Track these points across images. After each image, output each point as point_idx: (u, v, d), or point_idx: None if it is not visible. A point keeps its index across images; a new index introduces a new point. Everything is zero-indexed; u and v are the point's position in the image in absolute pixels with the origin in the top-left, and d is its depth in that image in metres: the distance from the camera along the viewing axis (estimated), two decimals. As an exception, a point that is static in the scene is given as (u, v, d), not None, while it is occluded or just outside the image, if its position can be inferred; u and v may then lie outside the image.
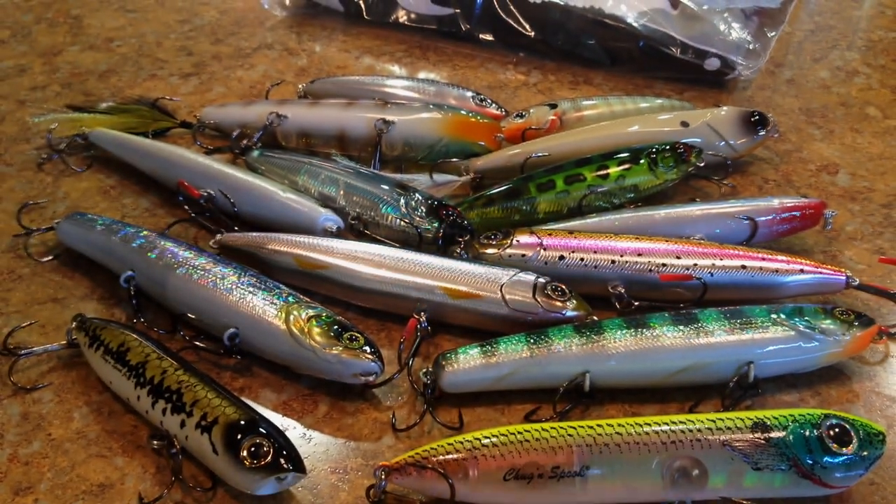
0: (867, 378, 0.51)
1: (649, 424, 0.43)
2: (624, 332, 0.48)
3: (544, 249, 0.54)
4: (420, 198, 0.59)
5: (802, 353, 0.48)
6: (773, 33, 0.80)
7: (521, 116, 0.70)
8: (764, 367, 0.48)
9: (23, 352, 0.52)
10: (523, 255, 0.55)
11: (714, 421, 0.43)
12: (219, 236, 0.59)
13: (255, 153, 0.67)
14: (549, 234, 0.55)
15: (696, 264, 0.53)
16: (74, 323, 0.51)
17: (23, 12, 0.93)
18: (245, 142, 0.69)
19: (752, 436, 0.42)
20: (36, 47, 0.86)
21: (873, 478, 0.45)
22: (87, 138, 0.70)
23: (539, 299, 0.51)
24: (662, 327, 0.48)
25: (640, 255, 0.53)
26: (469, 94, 0.73)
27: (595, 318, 0.51)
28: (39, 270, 0.59)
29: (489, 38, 0.84)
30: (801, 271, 0.53)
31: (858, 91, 0.78)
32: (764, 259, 0.53)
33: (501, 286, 0.51)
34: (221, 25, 0.90)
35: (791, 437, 0.42)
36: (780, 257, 0.54)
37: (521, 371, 0.48)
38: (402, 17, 0.86)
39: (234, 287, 0.51)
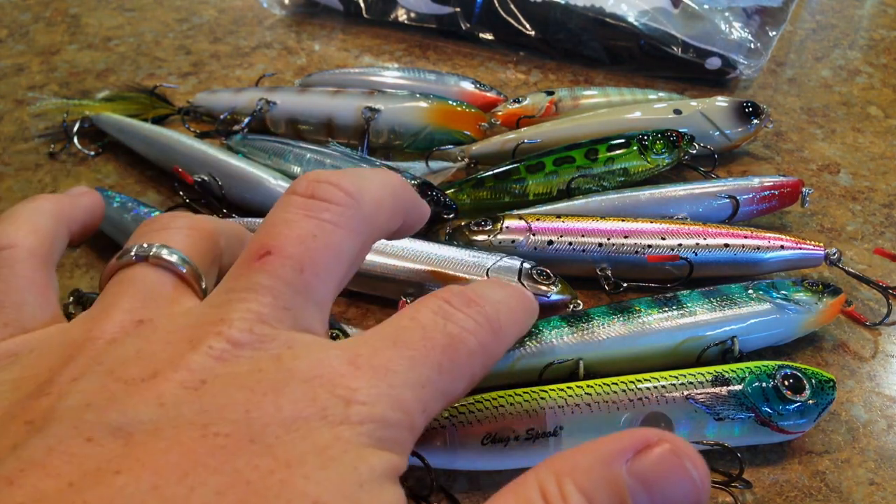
0: (867, 378, 0.52)
1: (616, 384, 0.45)
2: (611, 318, 0.51)
3: (533, 234, 0.57)
4: (406, 177, 0.61)
5: (780, 324, 0.51)
6: (774, 32, 0.82)
7: (518, 102, 0.72)
8: (747, 342, 0.50)
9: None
10: (513, 241, 0.57)
11: (677, 377, 0.46)
12: None
13: (237, 137, 0.70)
14: (538, 219, 0.58)
15: (680, 244, 0.55)
16: (71, 297, 0.54)
17: (21, 11, 0.96)
18: (235, 127, 0.72)
19: (712, 389, 0.45)
20: (34, 46, 0.89)
21: (873, 477, 0.46)
22: (93, 123, 0.73)
23: (524, 282, 0.53)
24: (648, 311, 0.51)
25: (626, 236, 0.56)
26: (468, 82, 0.76)
27: (580, 302, 0.54)
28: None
29: (489, 37, 0.86)
30: (782, 247, 0.55)
31: (860, 90, 0.80)
32: (746, 237, 0.56)
33: (487, 270, 0.54)
34: (220, 24, 0.92)
35: (749, 387, 0.45)
36: (761, 234, 0.56)
37: (516, 364, 0.50)
38: (401, 16, 0.89)
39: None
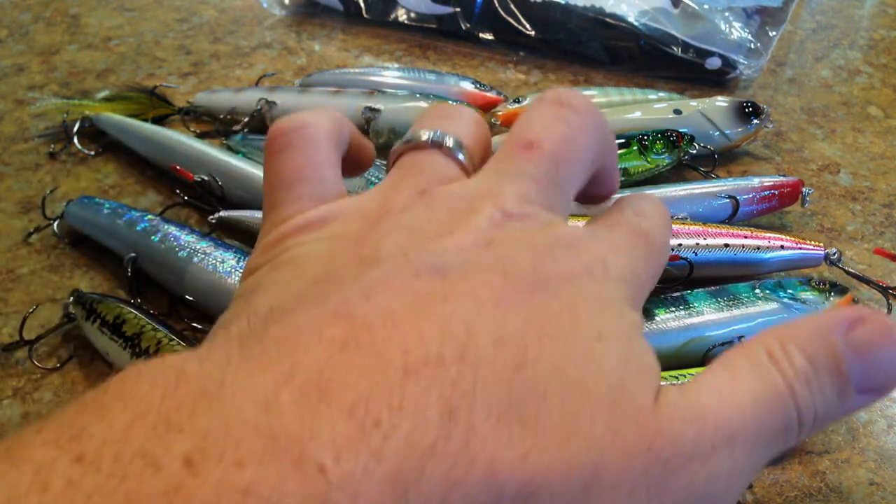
0: (868, 377, 0.52)
1: None
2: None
3: (535, 234, 0.56)
4: None
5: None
6: (774, 32, 0.82)
7: (518, 102, 0.72)
8: (751, 345, 0.50)
9: (30, 338, 0.54)
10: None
11: (677, 377, 0.46)
12: (218, 214, 0.61)
13: (237, 137, 0.70)
14: (540, 219, 0.57)
15: (680, 244, 0.55)
16: (72, 297, 0.54)
17: (21, 11, 0.96)
18: (235, 127, 0.72)
19: None
20: (34, 46, 0.89)
21: (873, 478, 0.46)
22: (93, 123, 0.74)
23: None
24: (655, 311, 0.51)
25: (626, 236, 0.55)
26: (468, 82, 0.76)
27: None
28: (38, 270, 0.61)
29: (489, 37, 0.86)
30: (782, 247, 0.55)
31: (860, 90, 0.80)
32: (746, 237, 0.56)
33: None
34: (220, 24, 0.92)
35: None
36: (761, 234, 0.56)
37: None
38: (401, 16, 0.89)
39: (232, 271, 0.54)
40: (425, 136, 0.33)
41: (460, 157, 0.33)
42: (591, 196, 0.37)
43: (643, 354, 0.26)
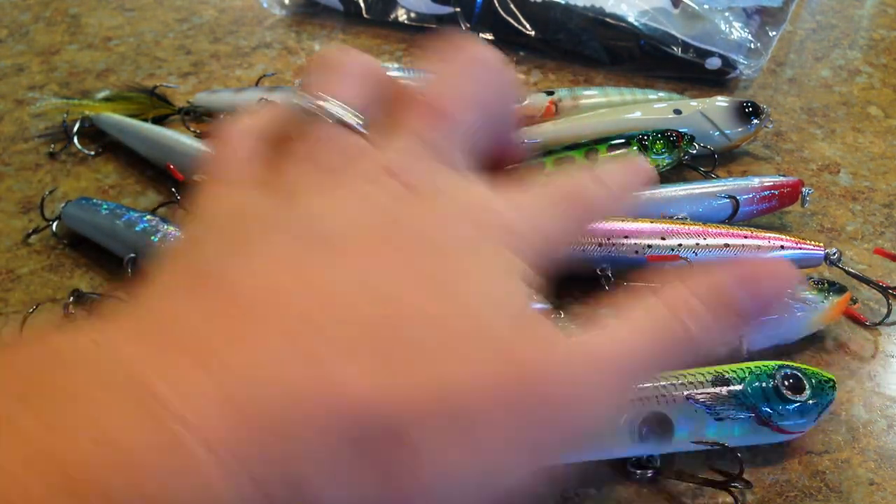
0: (867, 378, 0.52)
1: None
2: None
3: (535, 234, 0.56)
4: None
5: (787, 322, 0.51)
6: (774, 32, 0.82)
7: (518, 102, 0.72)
8: (754, 341, 0.50)
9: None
10: (514, 241, 0.56)
11: (677, 377, 0.46)
12: None
13: None
14: (539, 219, 0.57)
15: (680, 244, 0.55)
16: (72, 297, 0.54)
17: (20, 11, 0.96)
18: None
19: (712, 388, 0.45)
20: (34, 46, 0.89)
21: (873, 477, 0.46)
22: (93, 123, 0.74)
23: None
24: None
25: (626, 237, 0.55)
26: None
27: (561, 312, 0.51)
28: (38, 271, 0.61)
29: (489, 37, 0.86)
30: (782, 247, 0.55)
31: (860, 90, 0.79)
32: (746, 237, 0.56)
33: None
34: (220, 24, 0.92)
35: (749, 388, 0.45)
36: (761, 234, 0.56)
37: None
38: (401, 16, 0.89)
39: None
40: (310, 105, 0.32)
41: (351, 122, 0.32)
42: (497, 156, 0.37)
43: (520, 302, 0.27)
